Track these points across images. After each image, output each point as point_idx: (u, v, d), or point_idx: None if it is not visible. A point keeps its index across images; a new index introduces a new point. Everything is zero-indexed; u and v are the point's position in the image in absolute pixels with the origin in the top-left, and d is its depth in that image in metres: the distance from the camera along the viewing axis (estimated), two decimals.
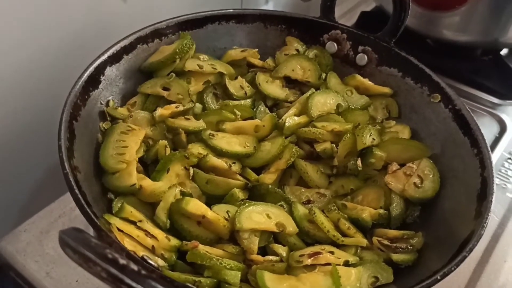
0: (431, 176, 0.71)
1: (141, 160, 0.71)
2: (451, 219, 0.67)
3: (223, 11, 0.87)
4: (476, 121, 0.73)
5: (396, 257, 0.64)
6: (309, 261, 0.58)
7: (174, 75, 0.79)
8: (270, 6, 1.32)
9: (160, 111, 0.74)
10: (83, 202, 0.55)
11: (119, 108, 0.75)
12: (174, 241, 0.61)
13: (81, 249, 0.41)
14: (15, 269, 0.75)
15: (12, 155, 0.86)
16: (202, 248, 0.59)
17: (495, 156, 0.97)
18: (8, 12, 0.74)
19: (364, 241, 0.64)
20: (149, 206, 0.66)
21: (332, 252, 0.61)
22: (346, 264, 0.60)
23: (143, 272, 0.41)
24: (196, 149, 0.71)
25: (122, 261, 0.40)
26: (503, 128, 1.04)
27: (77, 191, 0.57)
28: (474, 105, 1.09)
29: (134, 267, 0.41)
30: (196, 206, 0.62)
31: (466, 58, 1.18)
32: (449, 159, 0.74)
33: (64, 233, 0.43)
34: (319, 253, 0.59)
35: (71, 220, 0.80)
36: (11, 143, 0.85)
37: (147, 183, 0.65)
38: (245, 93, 0.82)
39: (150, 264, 0.55)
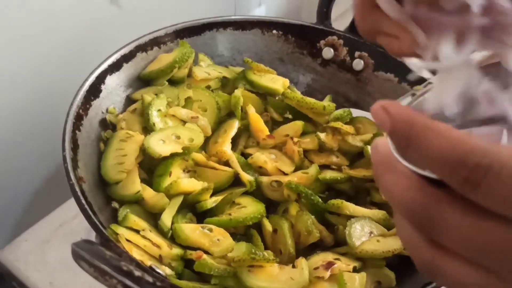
0: None
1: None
2: None
3: (221, 18, 0.87)
4: None
5: None
6: (327, 274, 0.58)
7: (167, 83, 0.79)
8: (262, 10, 1.33)
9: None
10: (90, 212, 0.56)
11: (120, 115, 0.76)
12: (176, 250, 0.61)
13: (96, 262, 0.41)
14: (18, 279, 0.75)
15: (10, 164, 0.86)
16: (207, 258, 0.59)
17: None
18: (2, 17, 0.75)
19: None
20: (153, 214, 0.66)
21: (338, 259, 0.62)
22: (354, 270, 0.61)
23: (158, 283, 0.41)
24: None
25: (137, 273, 0.41)
26: None
27: (83, 201, 0.57)
28: None
29: (149, 278, 0.41)
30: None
31: None
32: None
33: (77, 246, 0.44)
34: (332, 263, 0.60)
35: (72, 229, 0.80)
36: (10, 153, 0.85)
37: (148, 194, 0.65)
38: None
39: (158, 273, 0.55)
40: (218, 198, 0.66)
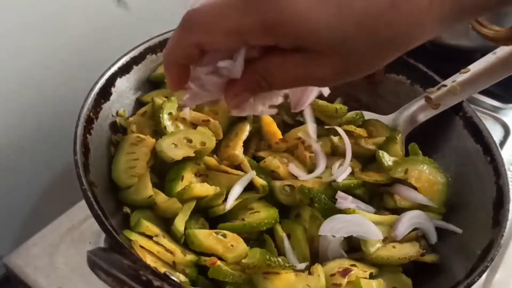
0: None
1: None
2: (467, 229, 0.67)
3: None
4: (487, 128, 0.74)
5: (428, 257, 0.65)
6: (345, 281, 0.57)
7: None
8: None
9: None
10: (103, 218, 0.55)
11: (130, 118, 0.75)
12: (190, 256, 0.60)
13: (114, 272, 0.40)
14: (26, 284, 0.74)
15: (18, 168, 0.85)
16: (221, 264, 0.58)
17: None
18: (12, 19, 0.74)
19: None
20: (165, 220, 0.65)
21: (354, 265, 0.61)
22: (370, 276, 0.60)
23: None
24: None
25: (157, 283, 0.40)
26: (507, 132, 1.04)
27: (96, 207, 0.56)
28: (477, 109, 1.09)
29: None
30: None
31: (466, 62, 1.18)
32: (461, 167, 0.74)
33: (94, 254, 0.43)
34: (349, 269, 0.59)
35: (80, 233, 0.79)
36: (17, 157, 0.84)
37: (160, 199, 0.64)
38: None
39: (173, 280, 0.54)
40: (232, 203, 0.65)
